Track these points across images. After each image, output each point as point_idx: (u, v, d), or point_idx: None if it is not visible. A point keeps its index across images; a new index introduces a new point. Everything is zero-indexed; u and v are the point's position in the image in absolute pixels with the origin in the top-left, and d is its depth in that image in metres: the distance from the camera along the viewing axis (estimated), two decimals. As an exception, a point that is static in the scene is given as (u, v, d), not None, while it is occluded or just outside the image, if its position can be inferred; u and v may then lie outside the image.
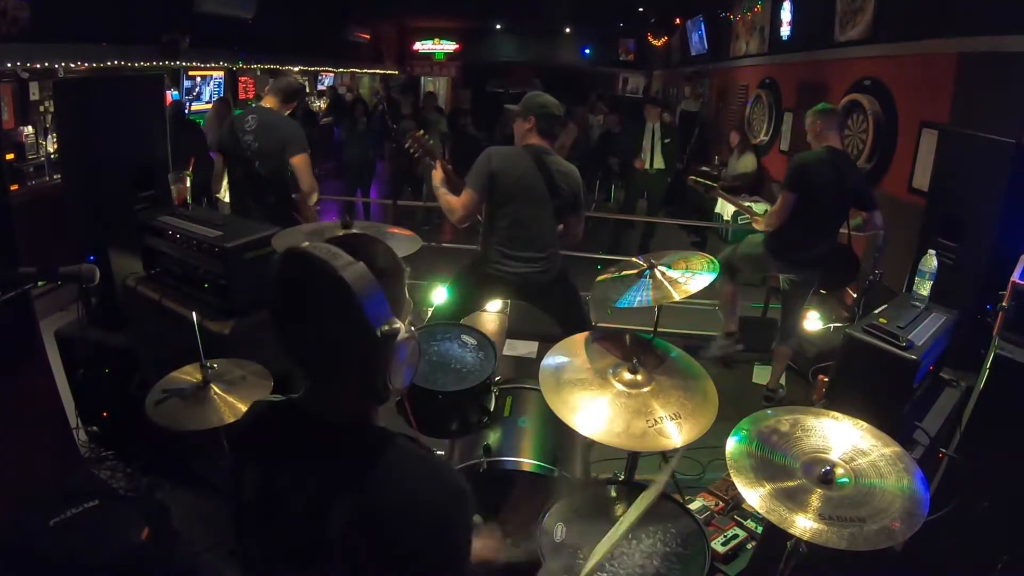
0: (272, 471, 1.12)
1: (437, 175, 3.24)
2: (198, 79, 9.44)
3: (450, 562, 1.09)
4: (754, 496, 1.63)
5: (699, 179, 4.09)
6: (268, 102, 3.89)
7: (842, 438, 1.80)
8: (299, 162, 3.80)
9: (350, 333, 1.03)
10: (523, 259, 3.25)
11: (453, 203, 3.17)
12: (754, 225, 4.07)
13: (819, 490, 1.64)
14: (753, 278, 4.85)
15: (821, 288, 4.22)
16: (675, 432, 2.02)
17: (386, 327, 1.03)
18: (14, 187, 5.01)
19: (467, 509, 1.12)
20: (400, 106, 9.48)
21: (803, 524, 1.55)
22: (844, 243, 3.91)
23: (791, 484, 1.67)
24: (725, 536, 2.66)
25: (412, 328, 1.10)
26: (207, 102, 9.17)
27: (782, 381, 4.34)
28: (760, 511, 1.61)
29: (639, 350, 2.28)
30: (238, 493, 1.14)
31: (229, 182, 3.98)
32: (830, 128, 3.81)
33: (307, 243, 1.06)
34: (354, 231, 2.59)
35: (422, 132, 3.38)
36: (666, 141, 7.38)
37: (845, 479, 1.68)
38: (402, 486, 1.07)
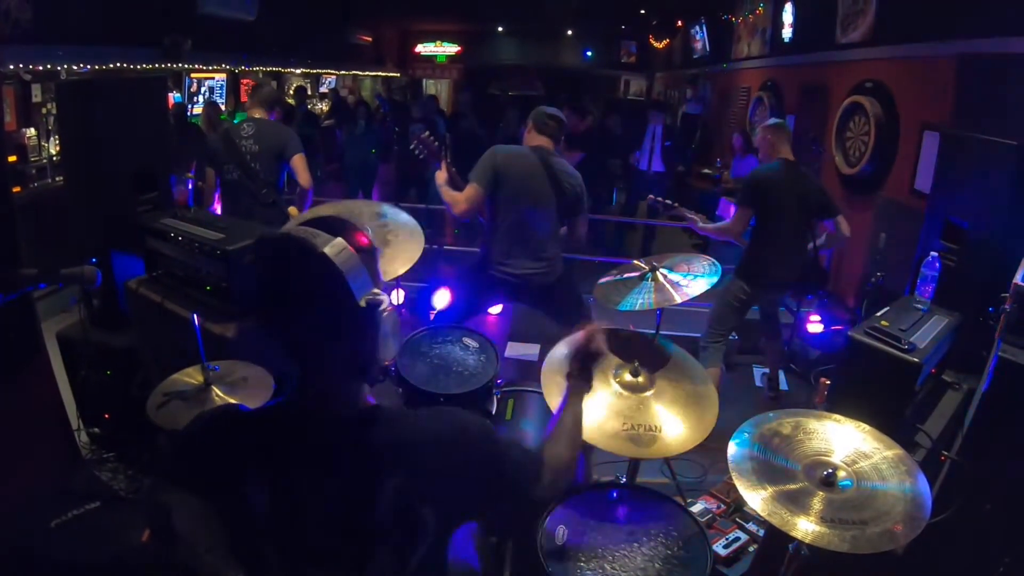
0: (285, 476, 1.09)
1: (441, 175, 3.28)
2: (195, 82, 9.44)
3: (507, 457, 1.23)
4: (756, 499, 1.63)
5: (659, 198, 4.11)
6: (256, 112, 4.16)
7: (844, 441, 1.80)
8: (299, 160, 4.08)
9: (337, 308, 1.07)
10: (526, 260, 3.25)
11: (456, 196, 3.21)
12: (697, 228, 3.97)
13: (821, 493, 1.64)
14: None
15: (793, 296, 4.24)
16: (671, 437, 2.03)
17: (369, 297, 1.08)
18: (16, 189, 5.01)
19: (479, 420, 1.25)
20: (411, 110, 9.50)
21: (805, 527, 1.55)
22: (811, 256, 3.86)
23: (793, 487, 1.66)
24: (727, 539, 2.65)
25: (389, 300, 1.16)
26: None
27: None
28: (762, 514, 1.61)
29: (642, 352, 2.28)
30: (243, 507, 1.11)
31: (221, 188, 4.05)
32: (780, 141, 3.79)
33: (284, 228, 1.11)
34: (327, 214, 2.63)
35: (428, 134, 3.42)
36: (667, 144, 7.40)
37: (847, 482, 1.68)
38: (438, 440, 1.15)
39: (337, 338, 1.10)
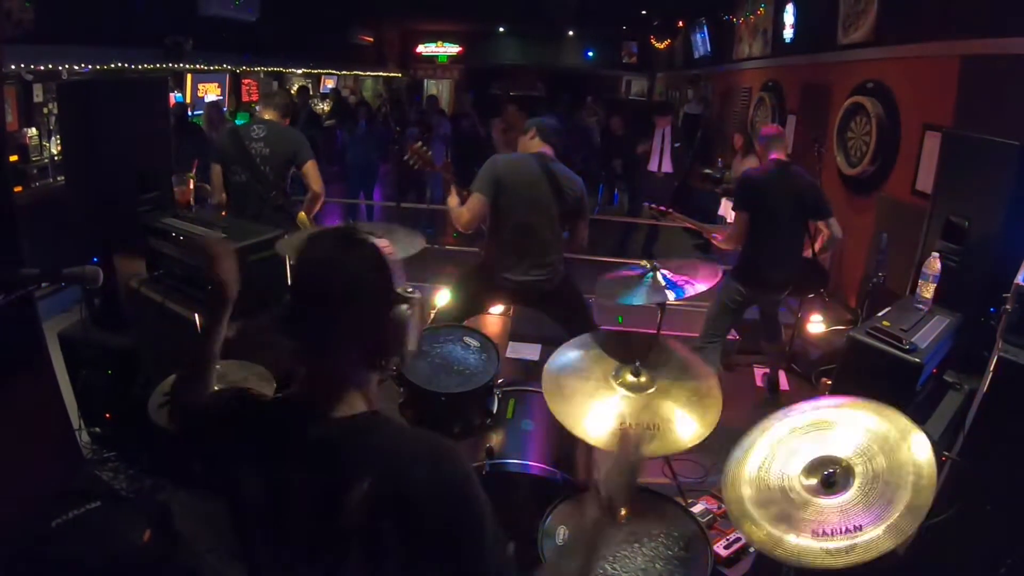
0: (275, 469, 1.11)
1: (453, 199, 3.28)
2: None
3: (477, 525, 1.11)
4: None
5: (653, 205, 4.14)
6: (269, 115, 4.11)
7: (845, 441, 1.80)
8: (311, 167, 4.07)
9: (380, 299, 1.13)
10: (528, 267, 3.26)
11: (461, 211, 3.22)
12: (713, 241, 3.99)
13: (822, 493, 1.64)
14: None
15: (792, 295, 4.24)
16: (672, 435, 2.03)
17: (407, 291, 1.15)
18: (18, 189, 5.01)
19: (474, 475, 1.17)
20: (406, 111, 9.55)
21: (806, 527, 1.55)
22: (809, 256, 3.87)
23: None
24: (727, 539, 2.65)
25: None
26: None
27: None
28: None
29: (643, 352, 2.28)
30: (237, 494, 1.14)
31: (228, 189, 4.03)
32: (773, 144, 3.81)
33: (328, 227, 1.16)
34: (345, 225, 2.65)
35: (420, 144, 3.45)
36: (676, 145, 7.42)
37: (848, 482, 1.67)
38: (417, 462, 1.10)
39: (372, 329, 1.13)
